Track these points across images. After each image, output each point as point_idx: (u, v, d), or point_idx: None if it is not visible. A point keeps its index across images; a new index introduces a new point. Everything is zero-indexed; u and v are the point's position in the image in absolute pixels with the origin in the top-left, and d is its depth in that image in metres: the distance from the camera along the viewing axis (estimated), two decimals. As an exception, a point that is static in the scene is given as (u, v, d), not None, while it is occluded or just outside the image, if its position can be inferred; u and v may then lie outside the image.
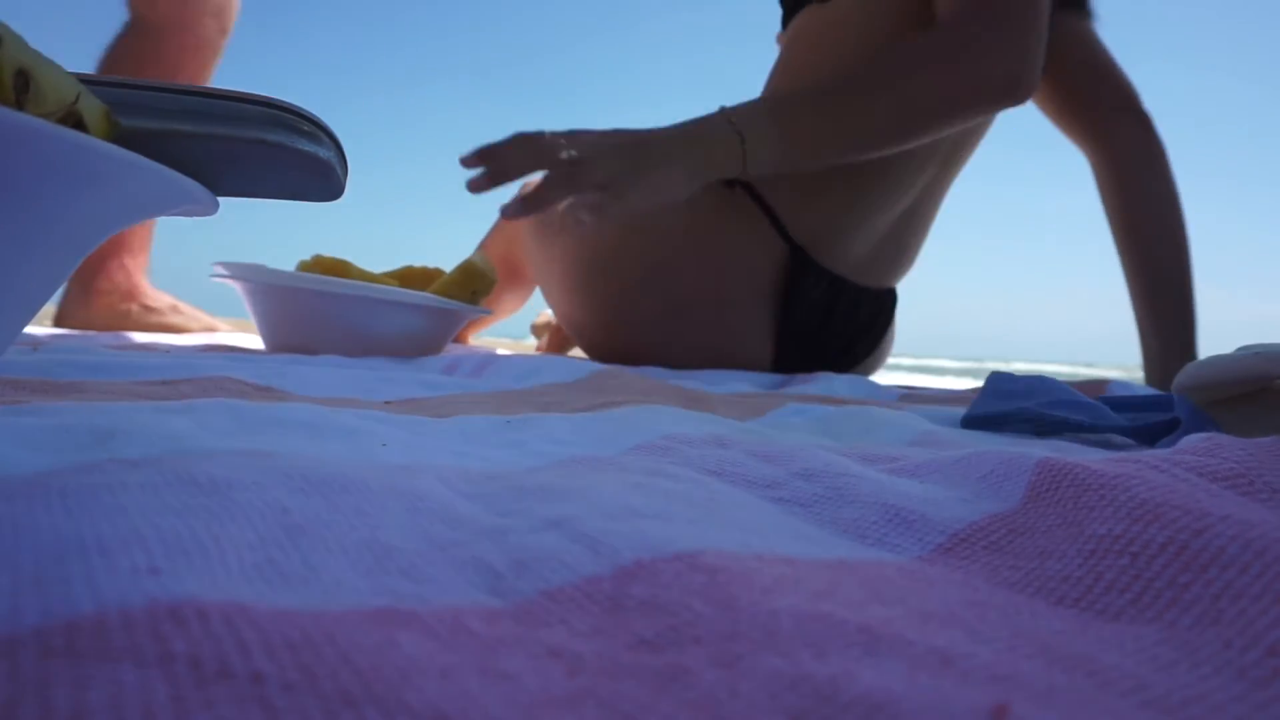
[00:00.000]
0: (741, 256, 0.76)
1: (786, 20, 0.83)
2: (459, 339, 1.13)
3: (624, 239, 0.78)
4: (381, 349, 0.65)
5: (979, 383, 0.82)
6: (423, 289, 0.73)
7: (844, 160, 0.69)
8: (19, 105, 0.18)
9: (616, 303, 0.79)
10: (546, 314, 1.29)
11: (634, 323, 0.78)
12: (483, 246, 1.09)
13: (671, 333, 0.78)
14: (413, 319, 0.66)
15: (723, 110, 0.65)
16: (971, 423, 0.42)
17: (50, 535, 0.12)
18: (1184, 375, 0.35)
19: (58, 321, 0.93)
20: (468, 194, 0.65)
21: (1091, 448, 0.36)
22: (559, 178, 0.62)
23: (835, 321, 0.79)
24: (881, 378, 0.89)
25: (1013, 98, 0.67)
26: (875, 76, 0.65)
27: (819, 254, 0.76)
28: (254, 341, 0.85)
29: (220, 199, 0.25)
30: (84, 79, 0.21)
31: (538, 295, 1.06)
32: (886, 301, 0.83)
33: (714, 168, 0.64)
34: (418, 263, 0.77)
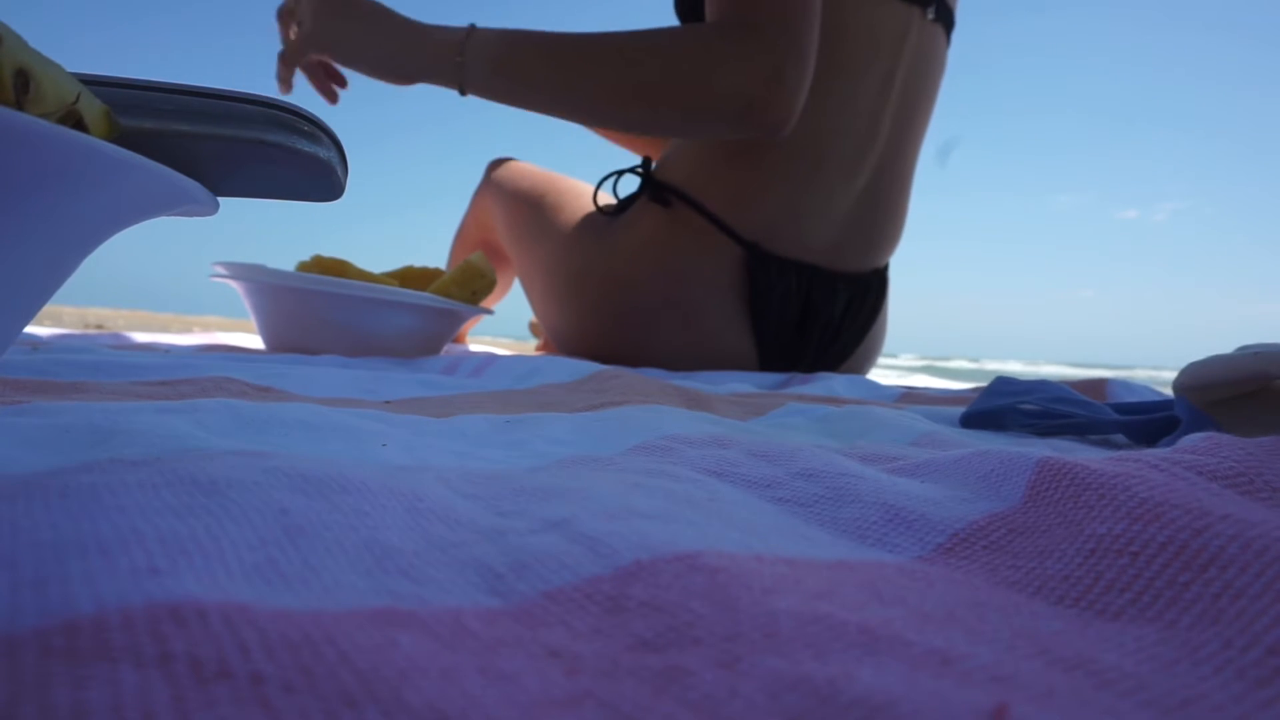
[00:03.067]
0: (697, 264, 0.77)
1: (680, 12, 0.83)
2: (457, 339, 1.13)
3: (590, 254, 0.81)
4: (381, 349, 0.65)
5: (980, 383, 0.82)
6: (422, 289, 0.73)
7: (555, 115, 0.70)
8: (19, 105, 0.18)
9: (590, 313, 0.81)
10: None
11: (609, 332, 0.80)
12: (460, 231, 1.10)
13: (645, 341, 0.79)
14: (413, 319, 0.66)
15: (474, 27, 0.68)
16: (970, 420, 0.42)
17: (50, 535, 0.12)
18: (1184, 375, 0.35)
19: None
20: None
21: (1092, 447, 0.36)
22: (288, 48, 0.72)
23: (817, 310, 0.78)
24: (883, 377, 0.89)
25: (751, 124, 0.63)
26: (610, 56, 0.64)
27: (776, 246, 0.76)
28: (254, 341, 0.85)
29: (220, 199, 0.25)
30: (84, 79, 0.21)
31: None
32: (873, 284, 0.82)
33: (426, 69, 0.69)
34: (417, 263, 0.78)
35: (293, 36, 0.73)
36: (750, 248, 0.75)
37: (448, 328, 0.70)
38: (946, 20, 0.79)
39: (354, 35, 0.69)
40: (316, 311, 0.63)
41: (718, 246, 0.76)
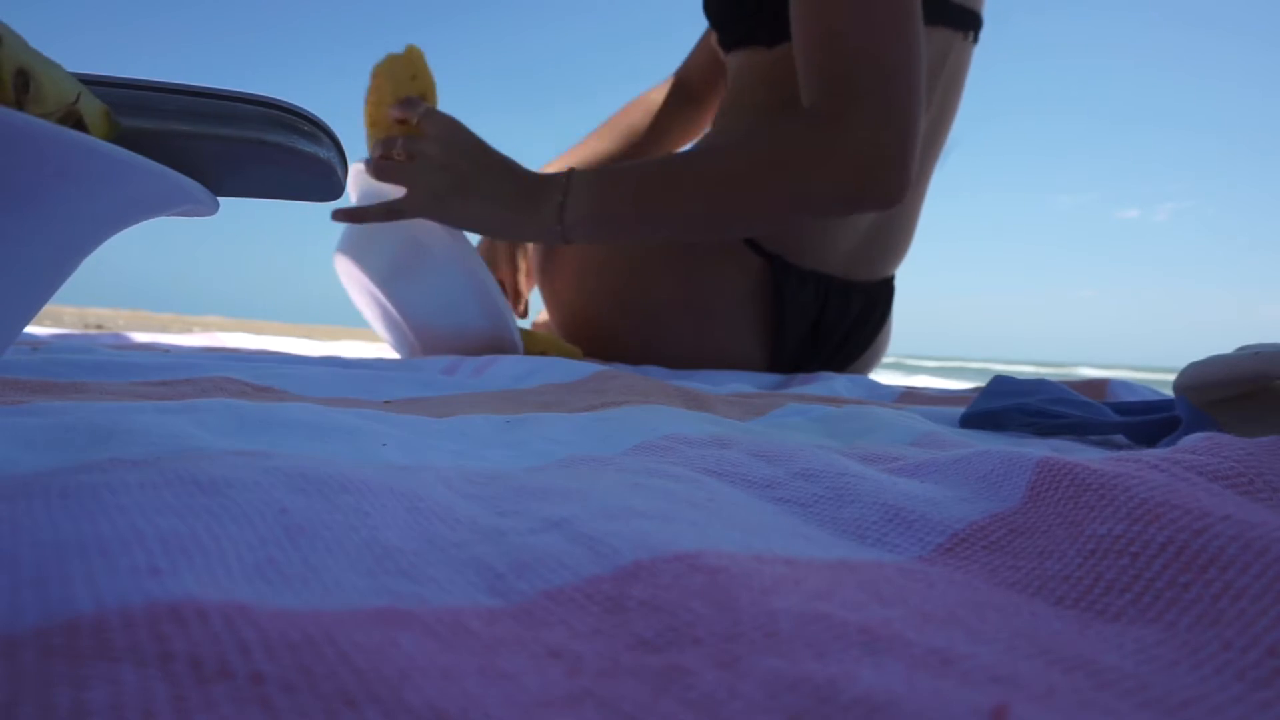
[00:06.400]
0: (714, 270, 0.76)
1: (724, 43, 0.81)
2: None
3: (607, 250, 0.80)
4: (436, 326, 0.67)
5: (980, 383, 0.82)
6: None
7: (657, 243, 0.68)
8: (19, 105, 0.18)
9: (601, 310, 0.81)
10: (545, 313, 1.30)
11: (618, 329, 0.80)
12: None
13: (654, 341, 0.79)
14: (492, 336, 0.68)
15: (571, 171, 0.65)
16: (970, 420, 0.42)
17: (50, 535, 0.12)
18: (1184, 375, 0.35)
19: None
20: None
21: (1092, 447, 0.36)
22: (392, 169, 0.65)
23: (829, 318, 0.79)
24: (883, 377, 0.89)
25: (863, 208, 0.61)
26: (703, 184, 0.61)
27: (798, 258, 0.76)
28: (254, 341, 0.85)
29: (220, 199, 0.25)
30: (84, 79, 0.21)
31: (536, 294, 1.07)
32: (882, 292, 0.82)
33: (534, 225, 0.65)
34: None
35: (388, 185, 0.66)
36: (772, 258, 0.75)
37: (494, 343, 0.72)
38: (978, 33, 0.78)
39: (472, 215, 0.65)
40: (447, 282, 0.66)
41: (739, 256, 0.76)
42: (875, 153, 0.59)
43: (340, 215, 0.66)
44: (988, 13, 0.79)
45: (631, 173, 0.64)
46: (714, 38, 0.87)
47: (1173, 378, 0.35)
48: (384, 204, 0.65)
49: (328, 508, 0.15)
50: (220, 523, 0.14)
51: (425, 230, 0.66)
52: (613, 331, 0.81)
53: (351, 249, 0.68)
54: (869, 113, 0.58)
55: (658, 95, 1.01)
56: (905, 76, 0.58)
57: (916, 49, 0.58)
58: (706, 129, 1.00)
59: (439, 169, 0.64)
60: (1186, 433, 0.33)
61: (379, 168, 0.65)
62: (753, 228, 0.65)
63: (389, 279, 0.67)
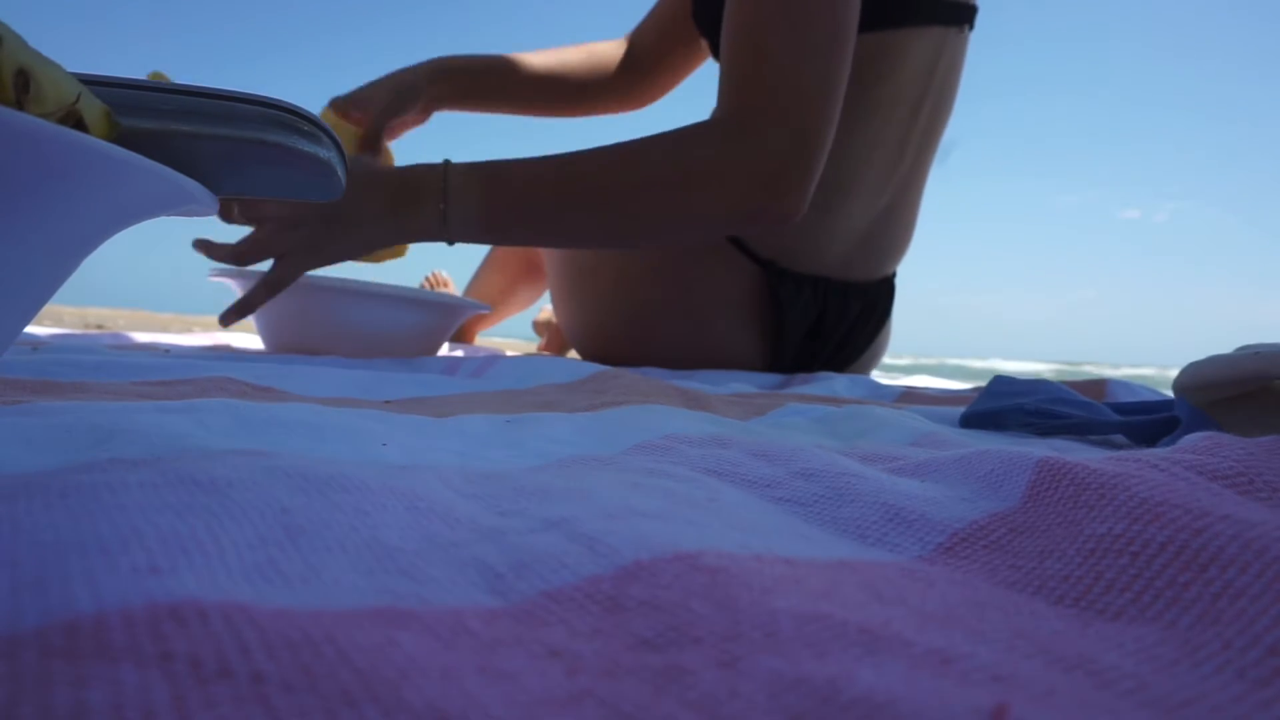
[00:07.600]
0: (707, 275, 0.76)
1: (716, 50, 0.79)
2: (466, 338, 1.13)
3: (598, 256, 0.80)
4: (382, 346, 0.65)
5: (980, 383, 0.82)
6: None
7: (550, 247, 0.65)
8: (19, 105, 0.18)
9: (596, 309, 0.81)
10: (547, 310, 1.29)
11: (612, 329, 0.80)
12: None
13: (647, 341, 0.79)
14: (410, 315, 0.66)
15: (446, 164, 0.61)
16: (970, 420, 0.42)
17: (50, 535, 0.12)
18: (1184, 375, 0.35)
19: None
20: None
21: (1092, 447, 0.36)
22: (243, 253, 0.60)
23: (828, 320, 0.79)
24: (883, 377, 0.89)
25: (755, 226, 0.60)
26: (592, 183, 0.59)
27: (793, 264, 0.76)
28: (255, 342, 0.85)
29: (220, 199, 0.25)
30: (84, 79, 0.21)
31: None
32: (882, 291, 0.82)
33: (416, 228, 0.61)
34: (429, 268, 0.78)
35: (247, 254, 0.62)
36: (766, 265, 0.75)
37: (447, 324, 0.71)
38: (973, 21, 0.77)
39: (350, 245, 0.61)
40: (316, 308, 0.63)
41: (733, 262, 0.76)
42: (777, 170, 0.58)
43: (228, 317, 0.62)
44: (985, 12, 0.79)
45: (519, 175, 0.60)
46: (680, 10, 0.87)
47: (1172, 378, 0.35)
48: (261, 281, 0.60)
49: (328, 507, 0.15)
50: (220, 522, 0.14)
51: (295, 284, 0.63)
52: (611, 335, 0.81)
53: (269, 336, 0.66)
54: (779, 131, 0.57)
55: (606, 50, 0.96)
56: (822, 102, 0.57)
57: (839, 76, 0.58)
58: (645, 99, 0.99)
59: (291, 226, 0.60)
60: (1186, 433, 0.33)
61: (236, 254, 0.61)
62: (651, 236, 0.62)
63: (316, 338, 0.64)
